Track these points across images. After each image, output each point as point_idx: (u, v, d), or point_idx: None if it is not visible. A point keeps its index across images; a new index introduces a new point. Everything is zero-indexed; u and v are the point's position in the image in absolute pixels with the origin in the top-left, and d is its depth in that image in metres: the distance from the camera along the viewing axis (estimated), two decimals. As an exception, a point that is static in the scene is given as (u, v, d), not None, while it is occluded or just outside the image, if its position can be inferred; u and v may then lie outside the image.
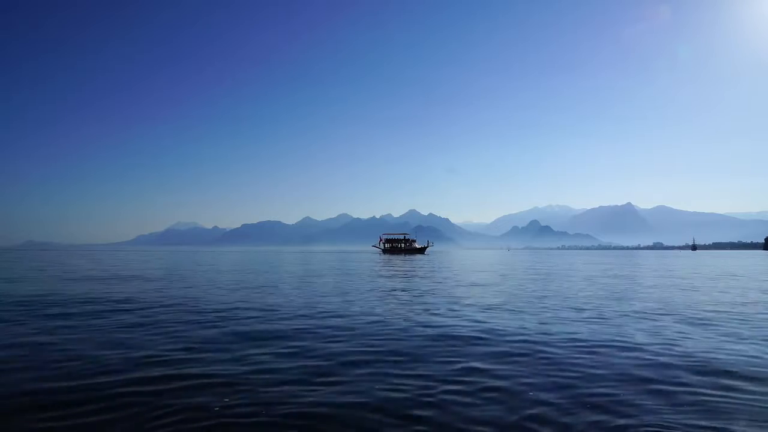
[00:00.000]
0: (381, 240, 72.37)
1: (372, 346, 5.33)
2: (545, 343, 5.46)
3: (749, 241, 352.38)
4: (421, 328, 6.42)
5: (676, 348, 5.28)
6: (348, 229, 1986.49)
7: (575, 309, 8.51)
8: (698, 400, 3.56)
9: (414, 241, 70.25)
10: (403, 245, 69.66)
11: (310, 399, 3.52)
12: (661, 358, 4.79)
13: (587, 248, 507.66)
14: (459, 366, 4.45)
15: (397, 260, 37.65)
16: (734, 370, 4.36)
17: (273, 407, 3.35)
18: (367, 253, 76.69)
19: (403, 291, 11.77)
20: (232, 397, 3.55)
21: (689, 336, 6.02)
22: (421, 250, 70.35)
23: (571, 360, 4.69)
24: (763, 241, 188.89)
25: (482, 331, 6.19)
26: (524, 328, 6.50)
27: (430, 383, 3.92)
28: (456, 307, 8.60)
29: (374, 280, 15.59)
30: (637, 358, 4.81)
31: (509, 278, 16.92)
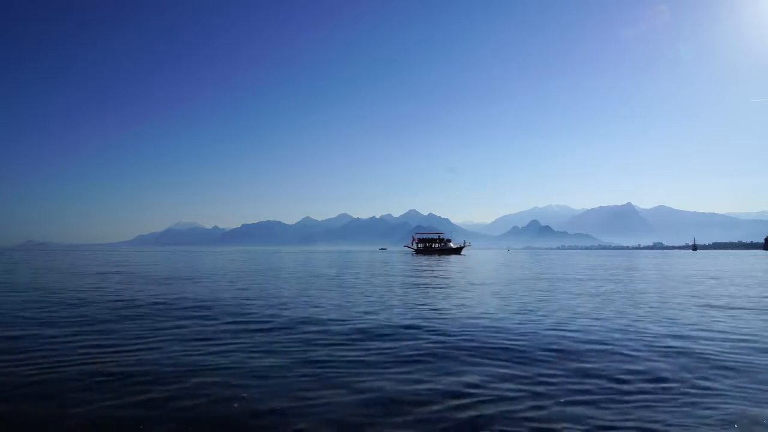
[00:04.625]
0: (414, 240, 71.58)
1: None
2: None
3: (749, 241, 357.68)
4: None
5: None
6: (348, 229, 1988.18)
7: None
8: None
9: (449, 240, 68.51)
10: (437, 245, 68.10)
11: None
12: None
13: (587, 248, 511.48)
14: None
15: (445, 262, 38.62)
16: None
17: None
18: (372, 253, 77.00)
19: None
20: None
21: None
22: (457, 251, 67.82)
23: None
24: (763, 241, 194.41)
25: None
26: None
27: None
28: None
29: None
30: None
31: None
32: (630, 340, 6.36)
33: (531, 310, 9.21)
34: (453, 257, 51.43)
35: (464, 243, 71.90)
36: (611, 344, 6.09)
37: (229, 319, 8.00)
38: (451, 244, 68.59)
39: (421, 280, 16.86)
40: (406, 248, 78.32)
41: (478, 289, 13.61)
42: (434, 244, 69.00)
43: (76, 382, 4.49)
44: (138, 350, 5.79)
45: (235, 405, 3.85)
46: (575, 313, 8.83)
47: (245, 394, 4.11)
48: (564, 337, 6.53)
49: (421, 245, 70.36)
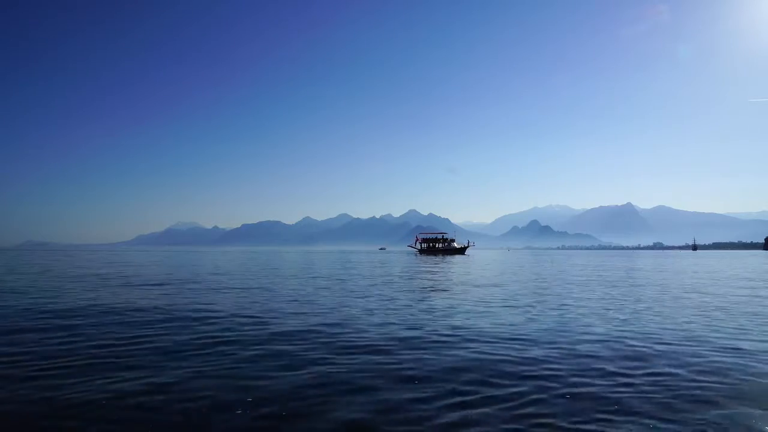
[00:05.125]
0: (417, 240, 70.75)
1: None
2: None
3: (749, 241, 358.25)
4: None
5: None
6: (348, 229, 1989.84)
7: None
8: None
9: (452, 240, 68.00)
10: (440, 245, 67.51)
11: None
12: None
13: (587, 248, 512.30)
14: None
15: (450, 262, 38.29)
16: None
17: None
18: (373, 254, 77.29)
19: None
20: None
21: None
22: (461, 251, 67.22)
23: None
24: (763, 241, 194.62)
25: None
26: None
27: None
28: None
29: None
30: None
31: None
32: (630, 338, 6.41)
33: (540, 310, 9.18)
34: (457, 257, 50.53)
35: (468, 243, 71.11)
36: (612, 342, 6.17)
37: (231, 321, 7.78)
38: (455, 244, 68.02)
39: (427, 282, 16.64)
40: (410, 248, 77.52)
41: (491, 290, 13.50)
42: (438, 244, 68.47)
43: (78, 380, 4.33)
44: (139, 349, 5.65)
45: (238, 411, 3.66)
46: (578, 312, 8.83)
47: (249, 399, 3.92)
48: (566, 335, 6.59)
49: (424, 245, 69.85)
